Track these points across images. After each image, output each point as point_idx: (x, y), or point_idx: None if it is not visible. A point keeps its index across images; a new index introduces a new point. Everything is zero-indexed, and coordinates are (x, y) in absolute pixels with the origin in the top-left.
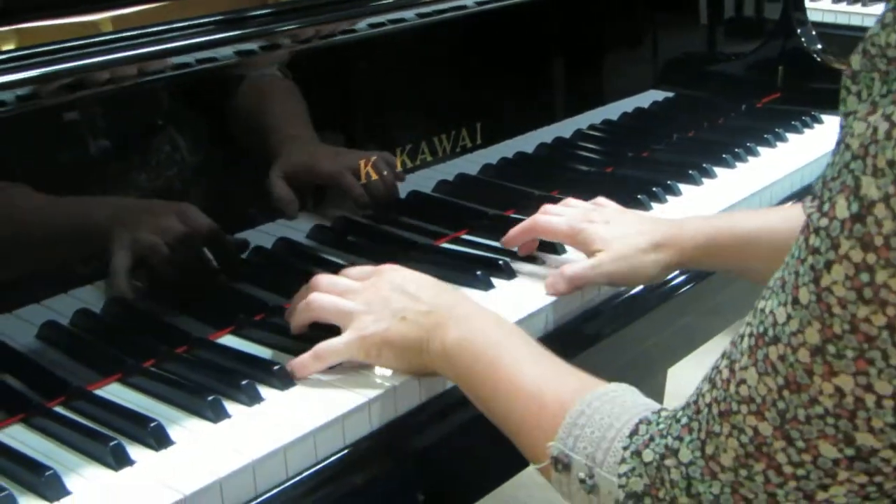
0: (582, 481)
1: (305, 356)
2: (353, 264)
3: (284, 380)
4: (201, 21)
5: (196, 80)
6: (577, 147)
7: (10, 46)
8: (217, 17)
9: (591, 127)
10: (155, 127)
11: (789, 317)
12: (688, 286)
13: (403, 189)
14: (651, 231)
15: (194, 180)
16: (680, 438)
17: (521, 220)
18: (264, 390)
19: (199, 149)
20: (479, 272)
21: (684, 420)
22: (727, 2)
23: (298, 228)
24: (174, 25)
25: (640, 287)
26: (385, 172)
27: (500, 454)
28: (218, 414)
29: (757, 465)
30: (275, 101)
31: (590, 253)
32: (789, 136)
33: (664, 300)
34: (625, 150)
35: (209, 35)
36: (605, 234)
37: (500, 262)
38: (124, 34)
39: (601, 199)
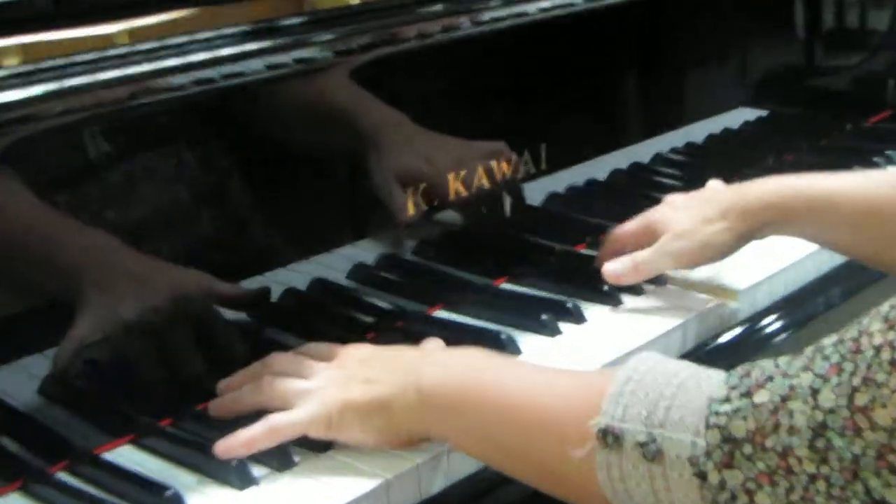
0: (642, 445)
1: (254, 429)
2: (395, 309)
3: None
4: (230, 32)
5: (220, 95)
6: (657, 173)
7: (13, 62)
8: (247, 27)
9: (673, 150)
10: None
11: None
12: (785, 333)
13: (454, 221)
14: (715, 200)
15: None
16: (824, 378)
17: (592, 256)
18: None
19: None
20: (544, 316)
21: (835, 357)
22: (826, 8)
23: (335, 267)
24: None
25: (734, 333)
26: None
27: None
28: (244, 481)
29: None
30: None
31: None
32: None
33: (759, 349)
34: (711, 177)
35: (237, 45)
36: (669, 216)
37: (569, 304)
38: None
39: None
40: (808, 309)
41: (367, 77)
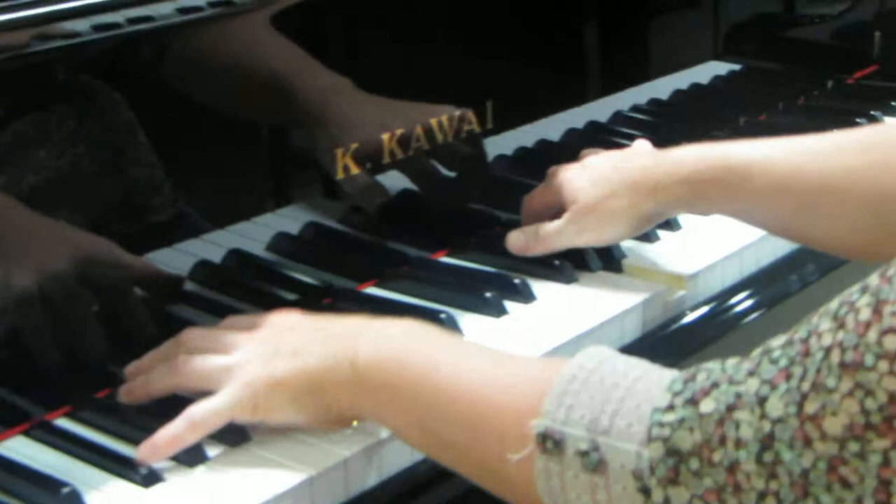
0: (583, 454)
1: (175, 426)
2: (322, 284)
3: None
4: None
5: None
6: (618, 134)
7: None
8: None
9: (635, 108)
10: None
11: None
12: (757, 312)
13: (392, 187)
14: (629, 168)
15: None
16: (772, 385)
17: None
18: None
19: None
20: (489, 294)
21: (784, 361)
22: None
23: (253, 237)
24: None
25: (696, 315)
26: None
27: None
28: (149, 478)
29: (879, 441)
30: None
31: (568, 208)
32: (889, 119)
33: (728, 330)
34: (679, 139)
35: None
36: (576, 182)
37: (517, 280)
38: None
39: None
40: (770, 291)
41: (294, 26)
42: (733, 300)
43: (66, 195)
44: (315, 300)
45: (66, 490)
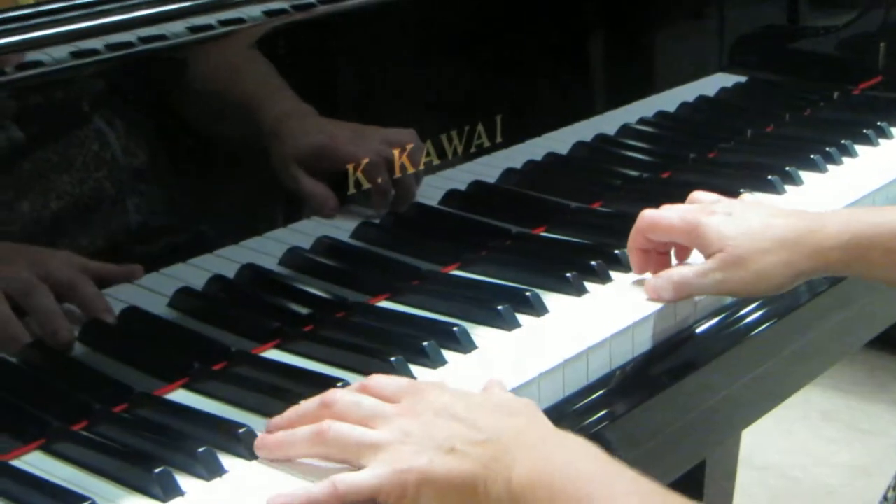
0: None
1: (317, 490)
2: (336, 299)
3: (251, 446)
4: None
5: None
6: (625, 147)
7: None
8: None
9: (643, 121)
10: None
11: None
12: (767, 324)
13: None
14: (782, 225)
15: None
16: None
17: (552, 239)
18: (226, 460)
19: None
20: (501, 307)
21: None
22: None
23: (270, 253)
24: None
25: (707, 325)
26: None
27: None
28: (167, 492)
29: None
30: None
31: (707, 254)
32: (895, 130)
33: (737, 342)
34: (685, 151)
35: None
36: (724, 230)
37: (529, 293)
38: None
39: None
40: (788, 301)
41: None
42: (742, 311)
43: (89, 218)
44: (328, 315)
45: (160, 470)
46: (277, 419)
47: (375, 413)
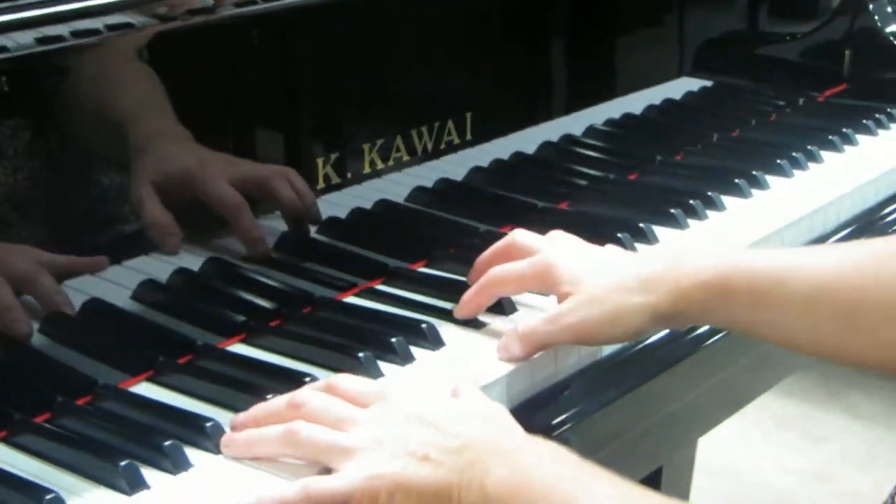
0: None
1: (288, 492)
2: (301, 294)
3: (214, 438)
4: None
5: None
6: (592, 147)
7: None
8: None
9: (609, 122)
10: None
11: None
12: (721, 334)
13: (370, 198)
14: (636, 263)
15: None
16: None
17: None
18: (193, 453)
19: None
20: (424, 326)
21: None
22: None
23: (232, 247)
24: None
25: (661, 336)
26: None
27: None
28: (133, 483)
29: None
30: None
31: (560, 297)
32: (860, 137)
33: (693, 351)
34: (652, 153)
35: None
36: (575, 267)
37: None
38: None
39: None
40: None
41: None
42: None
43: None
44: (295, 309)
45: (49, 497)
46: (243, 416)
47: (346, 417)
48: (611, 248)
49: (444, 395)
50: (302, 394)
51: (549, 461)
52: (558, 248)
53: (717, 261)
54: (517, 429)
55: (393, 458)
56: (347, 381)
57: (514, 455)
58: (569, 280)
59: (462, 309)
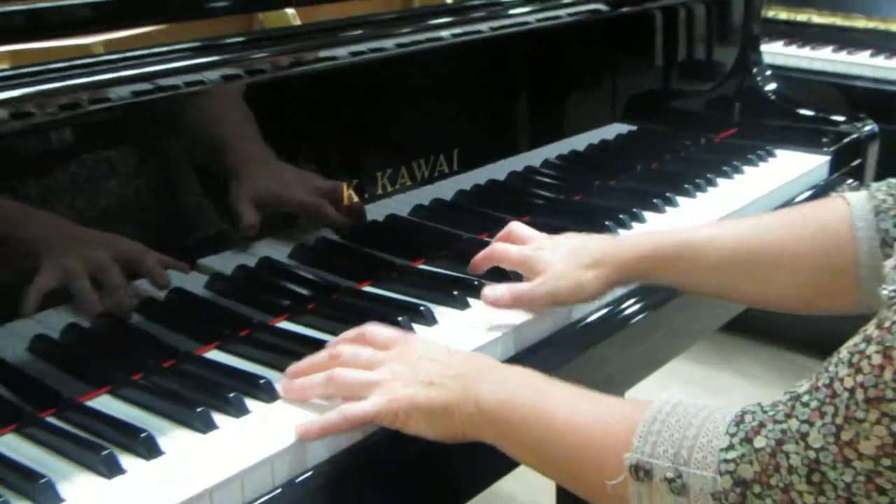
0: (670, 481)
1: (330, 417)
2: (331, 284)
3: (270, 393)
4: (171, 49)
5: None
6: (546, 175)
7: (3, 66)
8: (189, 45)
9: (560, 157)
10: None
11: None
12: (644, 314)
13: (381, 212)
14: (591, 248)
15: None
16: (809, 423)
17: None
18: (251, 403)
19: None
20: (455, 292)
21: (814, 404)
22: (685, 44)
23: (280, 249)
24: (132, 54)
25: (599, 313)
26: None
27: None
28: (206, 425)
29: None
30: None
31: (536, 277)
32: (746, 168)
33: (622, 327)
34: (592, 180)
35: (178, 61)
36: (549, 257)
37: (476, 282)
38: (77, 62)
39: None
40: (661, 296)
41: (307, 92)
42: (624, 305)
43: (133, 214)
44: (326, 296)
45: (143, 435)
46: (294, 366)
47: (372, 360)
48: (572, 236)
49: (446, 345)
50: (338, 346)
51: (527, 380)
52: (539, 243)
53: (650, 238)
54: (498, 363)
55: (406, 386)
56: (374, 329)
57: (498, 378)
58: (543, 269)
59: (473, 265)
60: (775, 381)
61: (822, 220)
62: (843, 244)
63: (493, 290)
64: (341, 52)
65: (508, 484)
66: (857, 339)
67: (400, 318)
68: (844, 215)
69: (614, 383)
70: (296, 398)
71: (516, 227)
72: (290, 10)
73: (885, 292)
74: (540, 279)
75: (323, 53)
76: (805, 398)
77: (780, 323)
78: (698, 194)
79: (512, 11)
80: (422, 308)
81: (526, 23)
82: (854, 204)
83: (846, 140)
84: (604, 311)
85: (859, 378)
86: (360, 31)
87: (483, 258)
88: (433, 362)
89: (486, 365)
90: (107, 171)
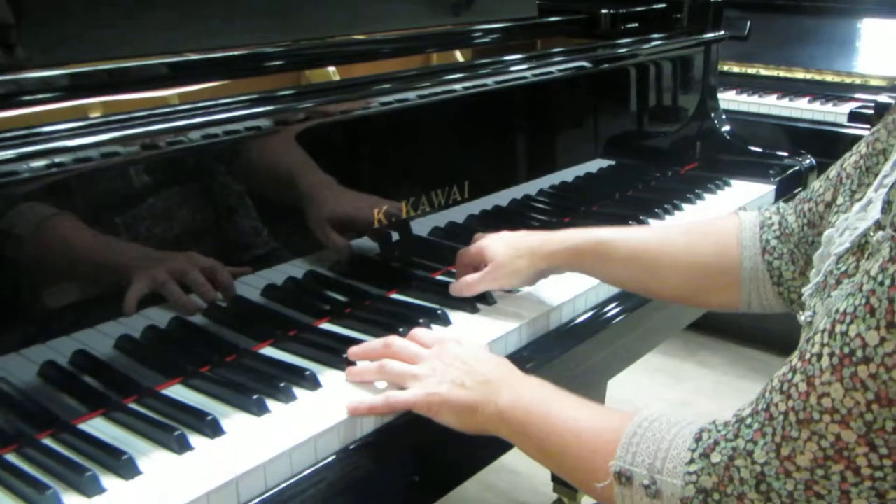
0: (646, 487)
1: (376, 400)
2: (365, 292)
3: (314, 383)
4: (235, 100)
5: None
6: (541, 202)
7: (96, 114)
8: (249, 97)
9: (552, 186)
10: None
11: (883, 339)
12: (623, 316)
13: (405, 233)
14: (527, 241)
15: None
16: (753, 442)
17: None
18: (298, 391)
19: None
20: (474, 299)
21: (755, 426)
22: (652, 94)
23: (322, 263)
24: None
25: (585, 316)
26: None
27: (482, 443)
28: (261, 409)
29: (835, 466)
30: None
31: (487, 265)
32: (706, 195)
33: (605, 327)
34: (578, 205)
35: (236, 110)
36: (495, 249)
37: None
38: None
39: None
40: (637, 301)
41: (347, 134)
42: (607, 308)
43: (199, 236)
44: (361, 302)
45: (209, 418)
46: (356, 348)
47: (417, 355)
48: (521, 233)
49: (477, 346)
50: (392, 339)
51: (538, 389)
52: (490, 240)
53: (574, 234)
54: (517, 370)
55: (441, 383)
56: (421, 332)
57: (516, 386)
58: (490, 256)
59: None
60: (730, 370)
61: (717, 228)
62: (730, 248)
63: (454, 284)
64: (373, 102)
65: (511, 458)
66: (784, 369)
67: (421, 320)
68: (735, 226)
69: (598, 373)
70: (354, 380)
71: (479, 237)
72: (331, 68)
73: (801, 318)
74: (487, 268)
75: (358, 103)
76: (748, 420)
77: (734, 322)
78: (667, 216)
79: (512, 68)
80: (439, 312)
81: (524, 77)
82: (744, 218)
83: (789, 171)
84: (589, 314)
85: (790, 403)
86: (388, 85)
87: (458, 261)
88: (464, 364)
89: (508, 374)
90: (178, 202)
